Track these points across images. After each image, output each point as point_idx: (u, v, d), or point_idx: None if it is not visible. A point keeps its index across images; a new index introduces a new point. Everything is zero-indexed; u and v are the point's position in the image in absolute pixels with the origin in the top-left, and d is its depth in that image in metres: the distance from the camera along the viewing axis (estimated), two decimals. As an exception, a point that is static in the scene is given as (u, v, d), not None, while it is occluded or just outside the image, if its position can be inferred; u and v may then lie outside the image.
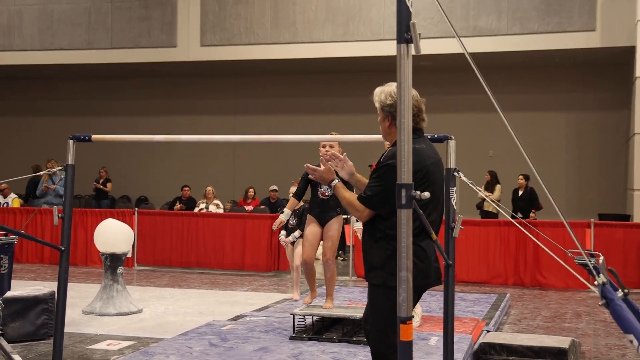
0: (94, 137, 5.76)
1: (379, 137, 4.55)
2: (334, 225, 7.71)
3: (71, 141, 5.66)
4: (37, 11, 18.86)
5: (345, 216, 8.86)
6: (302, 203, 9.58)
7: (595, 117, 17.56)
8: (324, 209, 7.71)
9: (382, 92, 4.28)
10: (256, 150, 19.29)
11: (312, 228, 7.79)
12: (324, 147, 7.40)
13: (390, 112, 4.22)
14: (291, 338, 7.01)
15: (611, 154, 17.11)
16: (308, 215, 7.95)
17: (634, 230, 12.04)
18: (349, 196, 4.18)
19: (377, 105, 4.32)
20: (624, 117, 16.51)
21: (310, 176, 4.39)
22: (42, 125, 21.07)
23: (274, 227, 9.11)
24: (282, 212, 8.72)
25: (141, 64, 18.56)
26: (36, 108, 21.48)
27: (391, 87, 4.22)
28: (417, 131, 4.13)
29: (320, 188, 7.64)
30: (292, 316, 7.33)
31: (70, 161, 5.60)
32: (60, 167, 5.58)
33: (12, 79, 21.28)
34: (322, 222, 7.77)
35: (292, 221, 9.62)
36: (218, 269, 13.35)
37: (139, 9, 18.20)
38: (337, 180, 4.21)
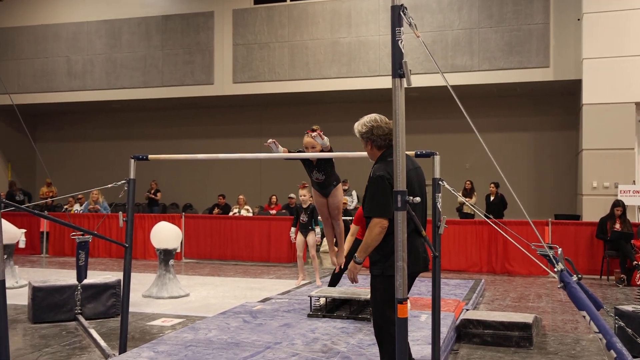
0: (150, 156, 5.78)
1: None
2: (337, 193, 6.65)
3: (132, 160, 5.69)
4: (104, 59, 18.99)
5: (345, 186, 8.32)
6: (311, 201, 9.42)
7: (550, 136, 17.51)
8: (322, 186, 6.51)
9: (359, 124, 4.30)
10: (277, 166, 19.27)
11: (317, 198, 6.75)
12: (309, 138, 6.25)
13: (369, 137, 4.24)
14: (309, 316, 7.00)
15: (564, 166, 17.05)
16: (313, 189, 6.85)
17: (583, 228, 12.01)
18: (365, 239, 4.05)
19: (357, 135, 4.32)
20: (574, 137, 16.45)
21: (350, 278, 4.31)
22: (107, 147, 21.18)
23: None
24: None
25: (186, 98, 18.64)
26: (103, 134, 21.59)
27: (364, 118, 4.27)
28: (391, 147, 4.11)
29: (312, 175, 6.42)
30: (309, 298, 7.33)
31: (132, 176, 5.63)
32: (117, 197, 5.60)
33: (85, 112, 21.42)
34: (325, 195, 6.61)
35: (304, 218, 9.47)
36: (249, 261, 13.38)
37: (183, 55, 18.29)
38: (355, 260, 4.14)
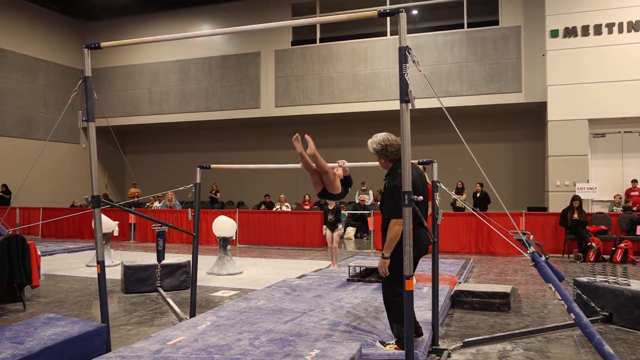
0: (212, 165, 5.83)
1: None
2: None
3: (198, 169, 5.73)
4: (176, 90, 19.19)
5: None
6: (335, 204, 9.29)
7: (523, 146, 17.27)
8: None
9: (373, 142, 4.21)
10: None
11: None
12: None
13: (383, 153, 4.16)
14: (348, 280, 7.07)
15: (534, 168, 16.81)
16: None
17: (549, 217, 11.82)
18: (389, 236, 3.92)
19: (372, 151, 4.25)
20: (541, 146, 16.24)
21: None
22: (179, 157, 21.35)
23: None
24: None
25: (239, 119, 18.73)
26: (176, 147, 21.78)
27: (377, 137, 4.18)
28: (400, 160, 4.06)
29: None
30: (347, 267, 7.82)
31: (198, 180, 5.68)
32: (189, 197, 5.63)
33: (162, 131, 21.61)
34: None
35: (331, 217, 9.23)
36: (288, 246, 13.38)
37: (237, 85, 18.39)
38: (383, 256, 3.98)
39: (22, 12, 18.84)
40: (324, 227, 9.38)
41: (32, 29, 19.20)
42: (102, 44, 4.45)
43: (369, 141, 4.27)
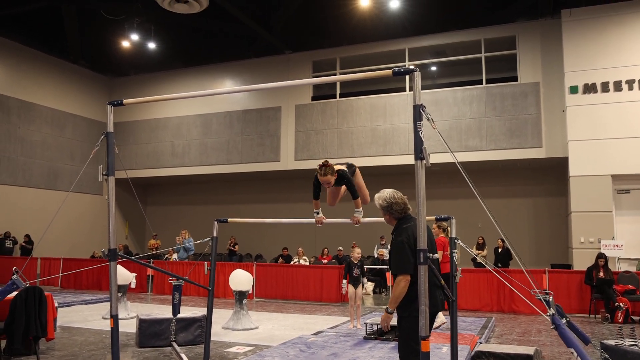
0: (229, 219, 5.84)
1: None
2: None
3: (215, 222, 5.74)
4: (198, 143, 19.53)
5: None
6: (360, 257, 9.06)
7: (546, 201, 17.08)
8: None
9: (379, 198, 4.15)
10: (328, 226, 19.17)
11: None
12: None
13: (388, 210, 4.08)
14: (365, 338, 6.91)
15: (557, 225, 16.54)
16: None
17: (574, 275, 11.52)
18: (394, 292, 3.80)
19: (377, 206, 4.19)
20: (564, 202, 16.02)
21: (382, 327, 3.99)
22: (199, 209, 21.49)
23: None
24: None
25: (258, 172, 18.92)
26: (196, 199, 22.00)
27: (384, 193, 4.11)
28: (408, 214, 4.01)
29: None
30: (364, 324, 7.52)
31: (215, 234, 5.67)
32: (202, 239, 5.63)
33: (183, 183, 21.91)
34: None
35: (357, 271, 8.80)
36: (305, 300, 13.18)
37: (257, 139, 18.67)
38: (387, 311, 3.85)
39: (54, 68, 19.58)
40: (343, 282, 8.87)
41: (63, 85, 19.90)
42: (125, 100, 4.57)
43: (376, 196, 4.25)
